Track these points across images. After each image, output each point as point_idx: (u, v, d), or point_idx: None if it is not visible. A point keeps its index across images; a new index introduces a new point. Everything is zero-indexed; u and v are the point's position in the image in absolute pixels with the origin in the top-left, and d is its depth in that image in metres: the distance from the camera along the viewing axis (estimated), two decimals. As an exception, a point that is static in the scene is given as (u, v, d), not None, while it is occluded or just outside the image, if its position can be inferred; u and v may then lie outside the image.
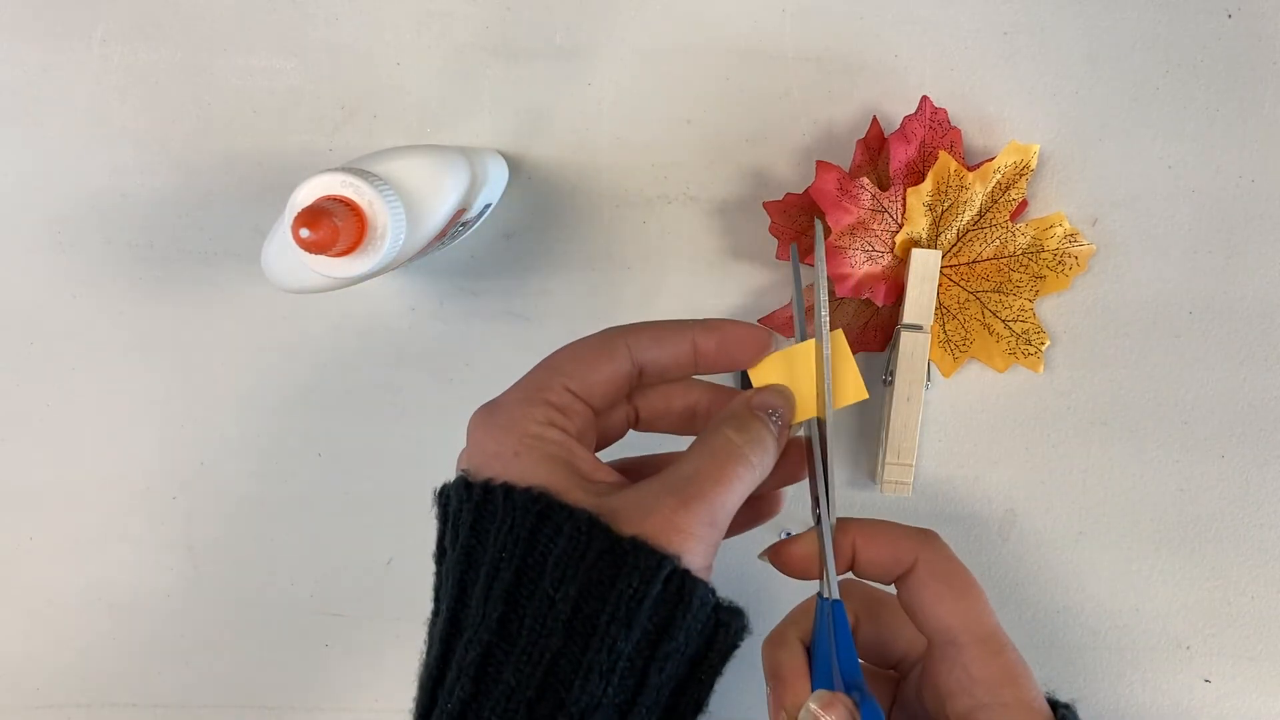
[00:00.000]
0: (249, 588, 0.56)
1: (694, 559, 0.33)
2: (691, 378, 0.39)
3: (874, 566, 0.36)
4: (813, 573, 0.37)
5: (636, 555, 0.32)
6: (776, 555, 0.38)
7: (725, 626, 0.35)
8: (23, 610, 0.56)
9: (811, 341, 0.38)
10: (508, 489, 0.33)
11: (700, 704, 0.35)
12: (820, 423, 0.37)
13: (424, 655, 0.36)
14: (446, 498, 0.36)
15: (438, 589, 0.36)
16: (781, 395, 0.38)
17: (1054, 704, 0.34)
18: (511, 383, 0.37)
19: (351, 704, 0.57)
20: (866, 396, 0.38)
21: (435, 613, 0.36)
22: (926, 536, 0.36)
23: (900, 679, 0.39)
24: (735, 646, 0.35)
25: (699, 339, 0.38)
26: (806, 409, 0.38)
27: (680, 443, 0.38)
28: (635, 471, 0.40)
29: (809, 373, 0.38)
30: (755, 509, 0.40)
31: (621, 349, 0.37)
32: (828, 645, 0.36)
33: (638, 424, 0.41)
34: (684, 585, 0.33)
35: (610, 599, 0.32)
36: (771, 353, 0.38)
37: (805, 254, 0.50)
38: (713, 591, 0.34)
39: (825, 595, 0.36)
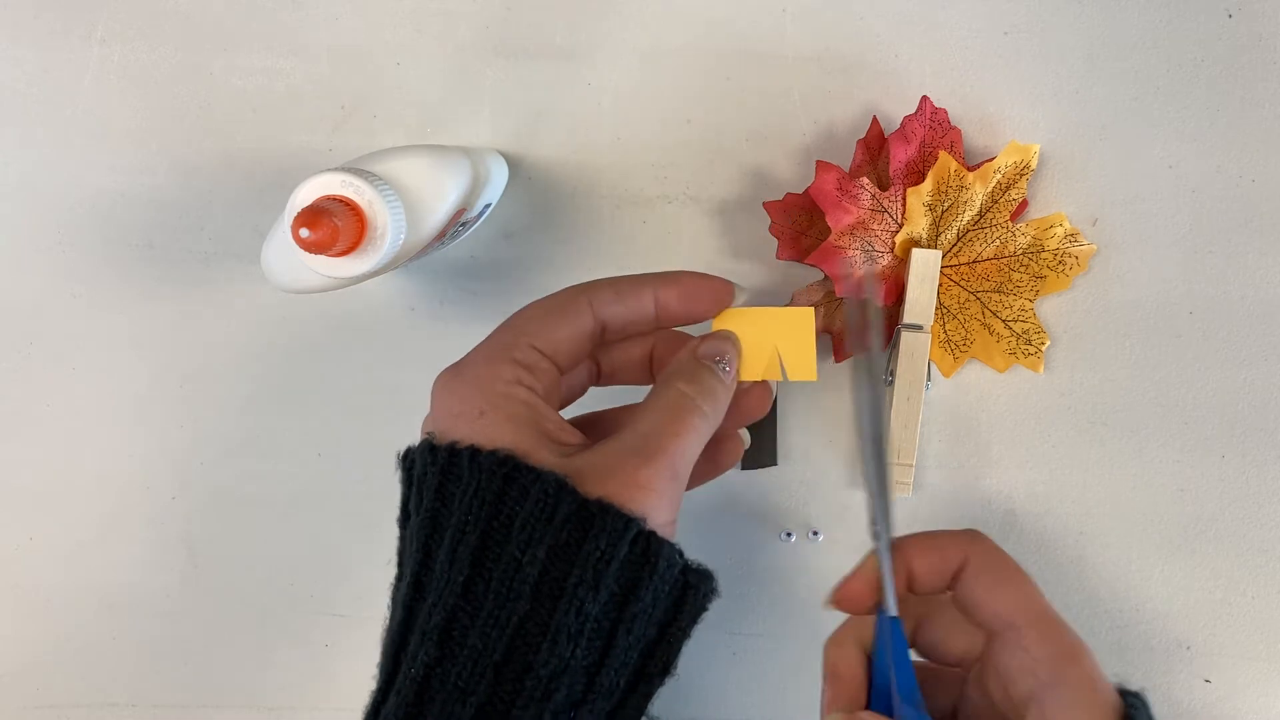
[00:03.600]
0: (249, 588, 0.56)
1: (659, 514, 0.33)
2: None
3: (930, 575, 0.36)
4: (873, 603, 0.36)
5: (604, 517, 0.32)
6: (841, 599, 0.37)
7: (694, 589, 0.35)
8: (23, 610, 0.56)
9: (782, 309, 0.38)
10: (473, 451, 0.33)
11: (668, 666, 0.35)
12: (879, 444, 0.36)
13: (387, 621, 0.35)
14: (411, 461, 0.36)
15: (401, 553, 0.36)
16: (727, 340, 0.38)
17: (1123, 693, 0.33)
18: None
19: (351, 704, 0.57)
20: (814, 379, 0.38)
21: (399, 578, 0.35)
22: (972, 535, 0.36)
23: (965, 676, 0.38)
24: (704, 609, 0.35)
25: (660, 292, 0.38)
26: (754, 369, 0.38)
27: (636, 394, 0.38)
28: (593, 427, 0.40)
29: (770, 335, 0.38)
30: (714, 458, 0.41)
31: (584, 306, 0.38)
32: (886, 660, 0.36)
33: (599, 379, 0.41)
34: (650, 546, 0.33)
35: (578, 561, 0.32)
36: (735, 305, 0.38)
37: (803, 255, 0.50)
38: (680, 553, 0.34)
39: (885, 611, 0.36)
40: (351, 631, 0.56)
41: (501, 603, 0.32)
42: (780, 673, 0.55)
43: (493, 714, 0.32)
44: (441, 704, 0.32)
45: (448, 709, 0.32)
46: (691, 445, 0.35)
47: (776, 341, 0.38)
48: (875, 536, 0.36)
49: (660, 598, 0.34)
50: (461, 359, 0.37)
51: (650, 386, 0.38)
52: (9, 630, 0.56)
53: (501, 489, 0.33)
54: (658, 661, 0.35)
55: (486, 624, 0.32)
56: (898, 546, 0.36)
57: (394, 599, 0.35)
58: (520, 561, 0.32)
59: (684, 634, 0.35)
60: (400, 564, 0.36)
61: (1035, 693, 0.33)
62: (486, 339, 0.37)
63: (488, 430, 0.34)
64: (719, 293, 0.39)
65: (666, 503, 0.34)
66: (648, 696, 0.35)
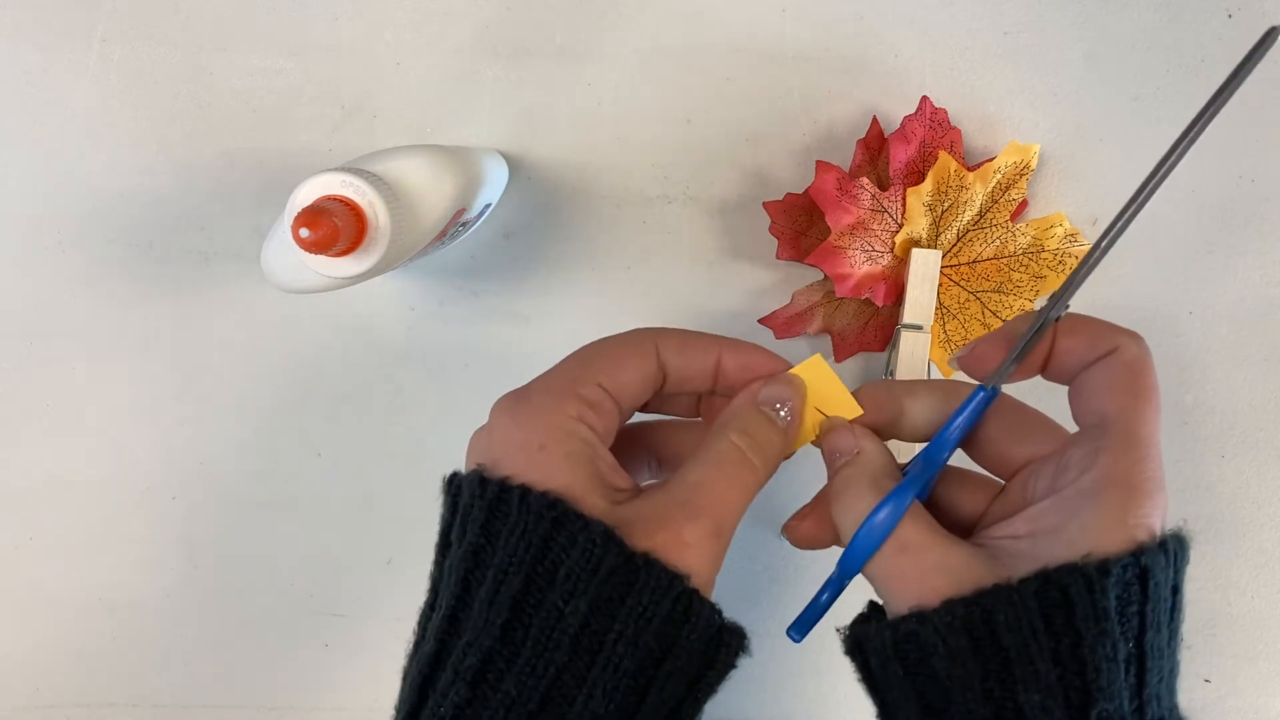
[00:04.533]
0: (249, 588, 0.56)
1: (702, 572, 0.33)
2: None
3: (1072, 355, 0.34)
4: (992, 370, 0.35)
5: (648, 573, 0.32)
6: (968, 359, 0.35)
7: (726, 646, 0.34)
8: (23, 610, 0.56)
9: (814, 358, 0.38)
10: (524, 491, 0.32)
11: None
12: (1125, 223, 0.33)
13: (413, 648, 0.35)
14: (458, 488, 0.35)
15: (437, 581, 0.35)
16: (791, 385, 0.37)
17: (1163, 541, 0.31)
18: (510, 384, 0.37)
19: (351, 704, 0.57)
20: (861, 413, 0.37)
21: (432, 605, 0.35)
22: (1134, 334, 0.34)
23: (999, 487, 0.37)
24: (733, 666, 0.35)
25: (725, 355, 0.38)
26: (804, 435, 0.38)
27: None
28: (630, 440, 0.40)
29: (815, 392, 0.37)
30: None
31: (652, 350, 0.37)
32: (944, 434, 0.35)
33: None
34: (692, 605, 0.32)
35: (619, 615, 0.31)
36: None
37: (803, 255, 0.50)
38: (719, 613, 0.33)
39: (989, 382, 0.35)
40: (351, 631, 0.56)
41: (540, 651, 0.31)
42: (780, 673, 0.55)
43: None
44: None
45: None
46: (740, 502, 0.35)
47: (812, 400, 0.38)
48: (1040, 310, 0.34)
49: (695, 656, 0.33)
50: (527, 386, 0.36)
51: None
52: (9, 630, 0.56)
53: (549, 534, 0.32)
54: (684, 716, 0.34)
55: (523, 672, 0.31)
56: (1057, 322, 0.34)
57: (425, 627, 0.35)
58: (562, 611, 0.31)
59: (712, 690, 0.35)
60: (435, 592, 0.35)
61: (1062, 491, 0.32)
62: (555, 368, 0.36)
63: (544, 466, 0.33)
64: (770, 365, 0.38)
65: (710, 560, 0.33)
66: None
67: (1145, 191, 0.33)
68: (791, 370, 0.38)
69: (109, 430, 0.55)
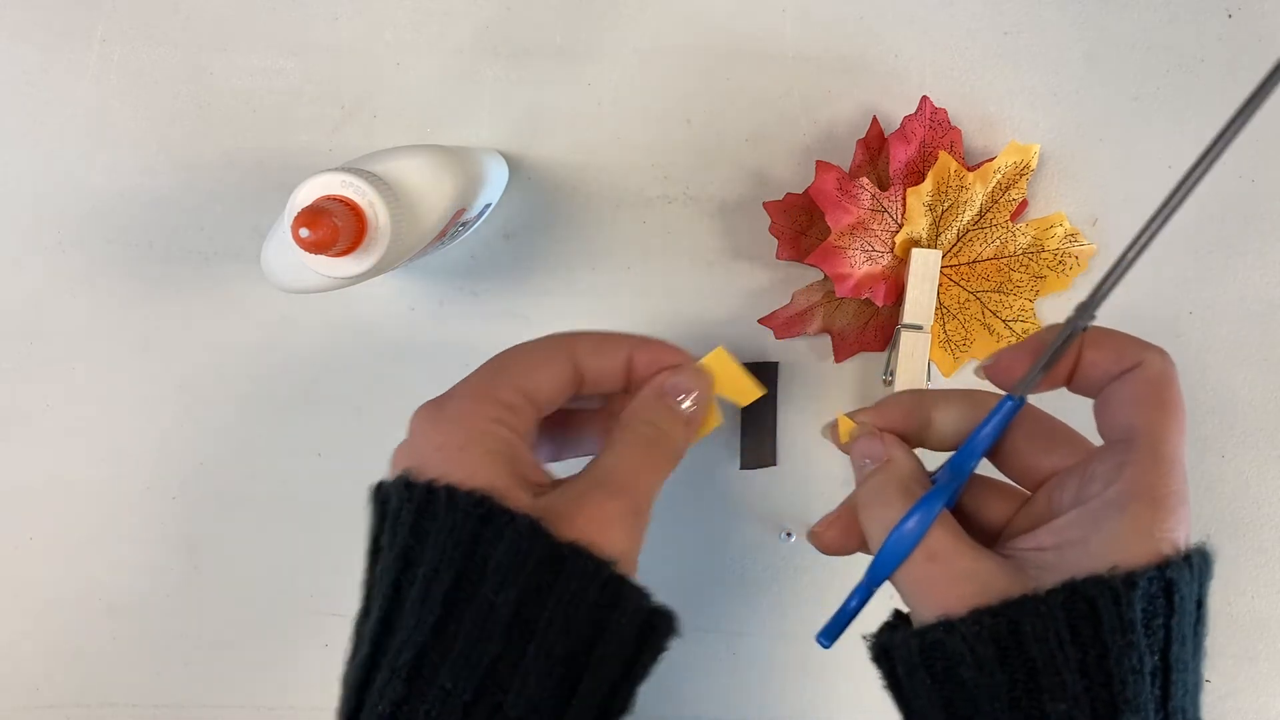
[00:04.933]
0: (249, 588, 0.56)
1: (626, 553, 0.34)
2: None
3: (1097, 367, 0.34)
4: (1018, 379, 0.36)
5: (575, 560, 0.33)
6: (993, 368, 0.36)
7: (655, 630, 0.35)
8: (22, 610, 0.56)
9: (717, 350, 0.40)
10: (450, 490, 0.33)
11: (628, 704, 0.35)
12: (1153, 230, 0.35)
13: (350, 654, 0.35)
14: (385, 495, 0.35)
15: (370, 586, 0.36)
16: (694, 375, 0.39)
17: (1188, 554, 0.31)
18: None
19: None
20: (764, 392, 0.40)
21: (365, 611, 0.35)
22: (1160, 350, 0.34)
23: (1024, 497, 0.37)
24: (664, 649, 0.36)
25: (635, 353, 0.39)
26: (710, 421, 0.40)
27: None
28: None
29: (721, 381, 0.40)
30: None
31: (566, 354, 0.39)
32: (972, 443, 0.36)
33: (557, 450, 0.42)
34: (620, 590, 0.33)
35: (549, 604, 0.32)
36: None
37: (803, 255, 0.50)
38: (647, 595, 0.35)
39: (1014, 392, 0.35)
40: (351, 632, 0.56)
41: (473, 643, 0.32)
42: (780, 673, 0.55)
43: None
44: None
45: None
46: (654, 482, 0.37)
47: (719, 389, 0.41)
48: (1069, 320, 0.34)
49: (626, 639, 0.34)
50: (445, 394, 0.37)
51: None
52: (9, 630, 0.56)
53: (477, 529, 0.33)
54: (620, 700, 0.35)
55: (457, 664, 0.32)
56: (1086, 333, 0.35)
57: (359, 632, 0.35)
58: (494, 603, 0.32)
59: (645, 673, 0.35)
60: (368, 597, 0.36)
61: (1088, 503, 0.32)
62: (471, 376, 0.38)
63: (467, 466, 0.34)
64: (677, 360, 0.40)
65: (633, 540, 0.35)
66: None
67: (1170, 205, 0.34)
68: (696, 363, 0.40)
69: (109, 430, 0.55)
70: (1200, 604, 0.32)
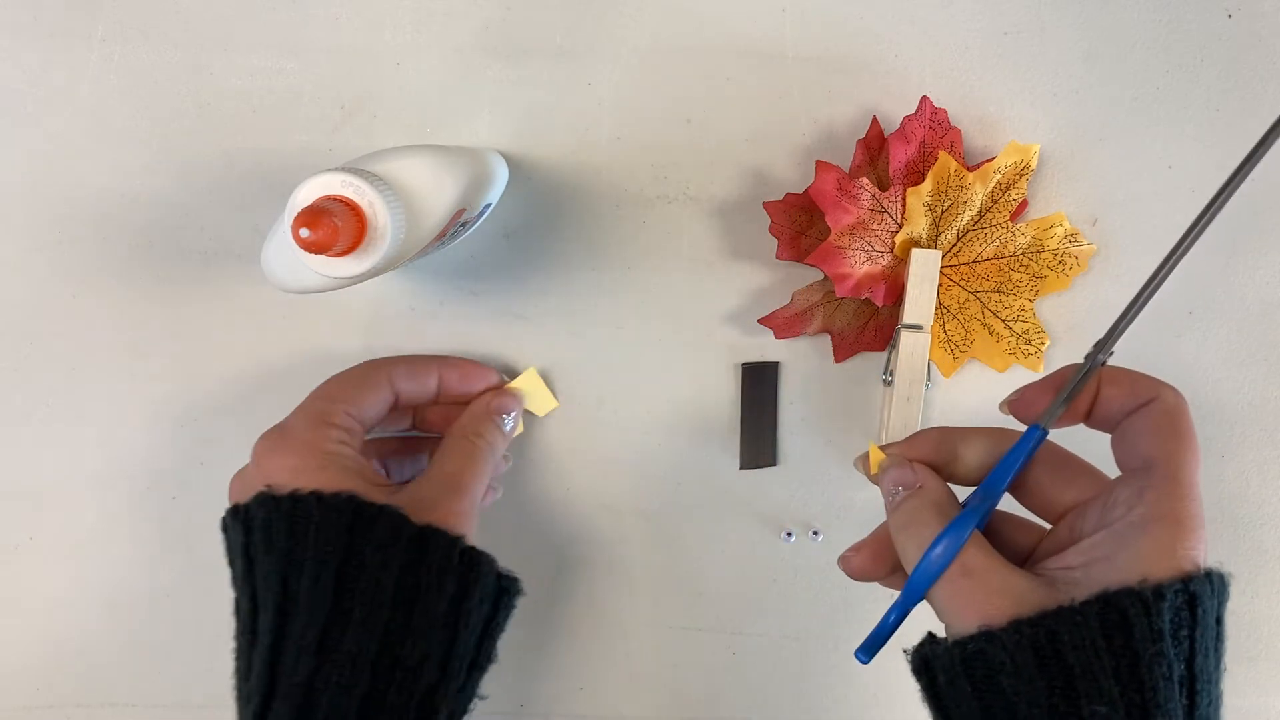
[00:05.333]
0: (249, 588, 0.56)
1: (470, 535, 0.43)
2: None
3: (1114, 402, 0.37)
4: (1040, 413, 0.38)
5: (436, 537, 0.41)
6: (1017, 403, 0.40)
7: (507, 592, 0.44)
8: (22, 610, 0.56)
9: (529, 371, 0.52)
10: (319, 495, 0.40)
11: (491, 655, 0.44)
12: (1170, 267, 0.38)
13: (242, 657, 0.42)
14: (249, 515, 0.41)
15: (252, 595, 0.41)
16: (513, 397, 0.51)
17: (1208, 573, 0.34)
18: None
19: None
20: (556, 405, 0.53)
21: (252, 612, 0.41)
22: (1172, 386, 0.37)
23: (1045, 530, 0.40)
24: (514, 606, 0.45)
25: (444, 373, 0.50)
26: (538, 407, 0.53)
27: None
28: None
29: (535, 389, 0.52)
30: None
31: (385, 379, 0.47)
32: (1000, 473, 0.39)
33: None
34: (474, 557, 0.42)
35: (424, 573, 0.40)
36: (495, 384, 0.51)
37: (803, 255, 0.50)
38: (494, 561, 0.43)
39: (1040, 423, 0.38)
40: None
41: (369, 611, 0.39)
42: (780, 673, 0.55)
43: (373, 702, 0.39)
44: (330, 697, 0.38)
45: (336, 699, 0.38)
46: (484, 483, 0.47)
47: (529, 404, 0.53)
48: (1088, 356, 0.38)
49: (486, 597, 0.43)
50: (284, 424, 0.44)
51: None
52: (9, 630, 0.56)
53: (352, 521, 0.40)
54: (485, 651, 0.44)
55: (358, 630, 0.39)
56: (1100, 372, 0.38)
57: (255, 630, 0.41)
58: (379, 578, 0.39)
59: (501, 627, 0.44)
60: (252, 604, 0.41)
61: (1111, 526, 0.35)
62: (303, 406, 0.45)
63: (328, 480, 0.41)
64: (488, 378, 0.51)
65: (472, 526, 0.44)
66: (480, 679, 0.44)
67: (1184, 245, 0.38)
68: (513, 384, 0.52)
69: (109, 430, 0.55)
70: (1220, 621, 0.34)
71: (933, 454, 0.41)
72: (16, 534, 0.56)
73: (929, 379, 0.51)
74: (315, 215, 0.36)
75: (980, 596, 0.35)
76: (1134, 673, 0.32)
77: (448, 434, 0.48)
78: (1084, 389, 0.37)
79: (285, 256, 0.42)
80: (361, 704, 0.39)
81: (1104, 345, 0.37)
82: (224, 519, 0.43)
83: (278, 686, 0.39)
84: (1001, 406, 0.40)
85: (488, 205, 0.50)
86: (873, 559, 0.41)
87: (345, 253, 0.37)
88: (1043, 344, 0.51)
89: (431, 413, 0.52)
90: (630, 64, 0.51)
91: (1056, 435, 0.39)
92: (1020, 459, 0.38)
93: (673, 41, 0.51)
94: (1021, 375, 0.52)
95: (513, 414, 0.50)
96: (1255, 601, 0.54)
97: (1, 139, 0.52)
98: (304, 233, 0.35)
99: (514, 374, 0.53)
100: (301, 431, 0.43)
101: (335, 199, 0.37)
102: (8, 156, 0.52)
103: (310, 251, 0.36)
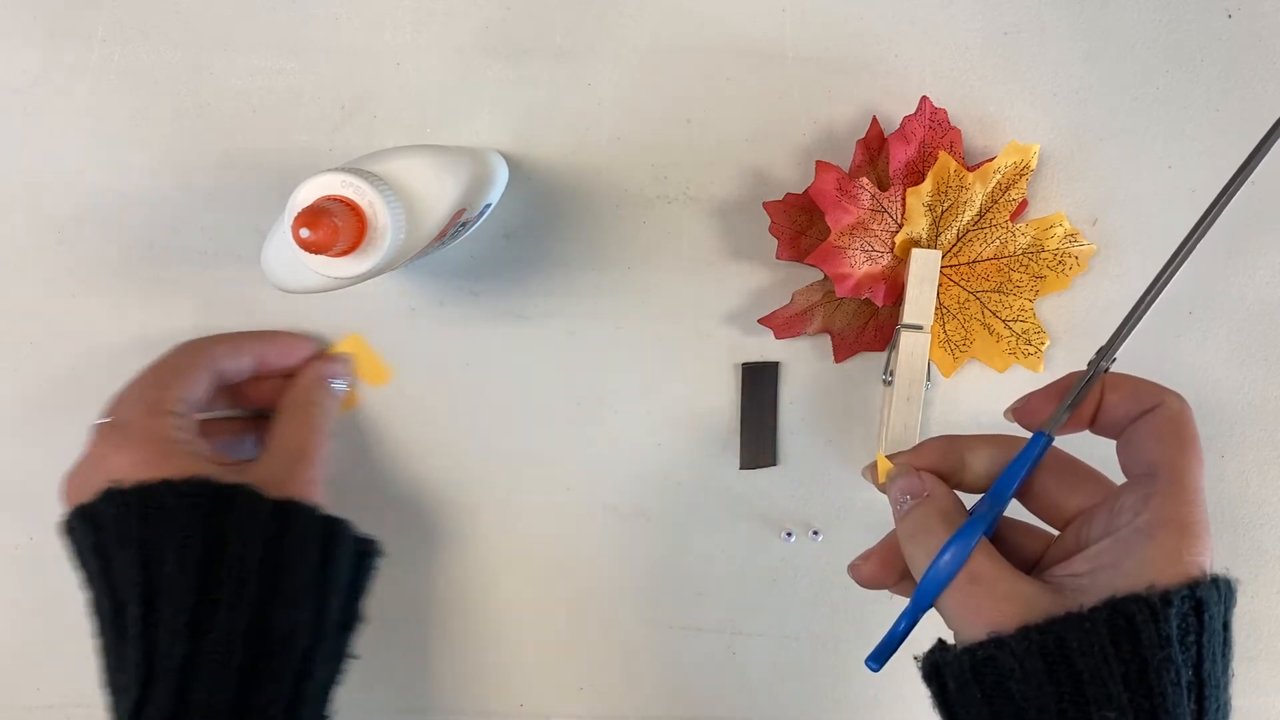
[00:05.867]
0: (249, 588, 0.56)
1: (324, 502, 0.45)
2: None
3: (1118, 408, 0.38)
4: (1044, 421, 0.39)
5: (295, 510, 0.43)
6: (1021, 410, 0.40)
7: (367, 555, 0.46)
8: (22, 610, 0.56)
9: (353, 336, 0.52)
10: (169, 483, 0.41)
11: (359, 615, 0.46)
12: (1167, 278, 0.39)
13: (106, 653, 0.42)
14: (93, 514, 0.41)
15: (112, 594, 0.41)
16: (343, 362, 0.51)
17: (1214, 579, 0.34)
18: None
19: (351, 704, 0.57)
20: (387, 380, 0.53)
21: (116, 609, 0.41)
22: (1176, 393, 0.38)
23: (1053, 537, 0.40)
24: (375, 567, 0.47)
25: (264, 348, 0.50)
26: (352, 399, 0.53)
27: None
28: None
29: (364, 356, 0.52)
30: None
31: (207, 360, 0.48)
32: (1005, 481, 0.39)
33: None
34: (333, 525, 0.44)
35: (287, 546, 0.42)
36: (315, 353, 0.51)
37: (803, 255, 0.50)
38: (352, 525, 0.45)
39: (1045, 429, 0.39)
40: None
41: (236, 588, 0.40)
42: (780, 673, 0.55)
43: (250, 672, 0.40)
44: (208, 675, 0.40)
45: (214, 676, 0.40)
46: (327, 449, 0.47)
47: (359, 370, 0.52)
48: (1091, 363, 0.38)
49: (348, 561, 0.44)
50: (117, 418, 0.44)
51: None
52: (9, 630, 0.56)
53: (209, 505, 0.41)
54: (352, 612, 0.45)
55: (228, 607, 0.40)
56: (1104, 378, 0.38)
57: (123, 625, 0.41)
58: (243, 556, 0.41)
59: (366, 588, 0.46)
60: (113, 600, 0.41)
61: (1118, 532, 0.35)
62: (130, 394, 0.46)
63: (175, 467, 0.41)
64: (305, 346, 0.51)
65: (322, 493, 0.45)
66: (349, 639, 0.46)
67: (1181, 255, 0.39)
68: (341, 348, 0.51)
69: (109, 430, 0.54)
70: (1226, 627, 0.34)
71: (939, 462, 0.41)
72: (16, 534, 0.56)
73: (929, 379, 0.51)
74: (315, 215, 0.36)
75: (988, 603, 0.35)
76: (1142, 679, 0.32)
77: (281, 406, 0.49)
78: (1088, 396, 0.38)
79: (285, 256, 0.42)
80: (239, 676, 0.40)
81: (1106, 352, 0.38)
82: (68, 521, 0.43)
83: (154, 674, 0.40)
84: (1006, 413, 0.41)
85: (488, 205, 0.50)
86: (882, 566, 0.41)
87: (345, 253, 0.37)
88: (1043, 344, 0.51)
89: (251, 389, 0.51)
90: (630, 64, 0.51)
91: (1062, 441, 0.39)
92: (1026, 466, 0.38)
93: (673, 41, 0.51)
94: (1021, 375, 0.52)
95: (343, 379, 0.50)
96: (1255, 601, 0.54)
97: (1, 139, 0.52)
98: (304, 233, 0.36)
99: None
100: (139, 422, 0.43)
101: (335, 199, 0.37)
102: (8, 156, 0.52)
103: (310, 251, 0.36)
